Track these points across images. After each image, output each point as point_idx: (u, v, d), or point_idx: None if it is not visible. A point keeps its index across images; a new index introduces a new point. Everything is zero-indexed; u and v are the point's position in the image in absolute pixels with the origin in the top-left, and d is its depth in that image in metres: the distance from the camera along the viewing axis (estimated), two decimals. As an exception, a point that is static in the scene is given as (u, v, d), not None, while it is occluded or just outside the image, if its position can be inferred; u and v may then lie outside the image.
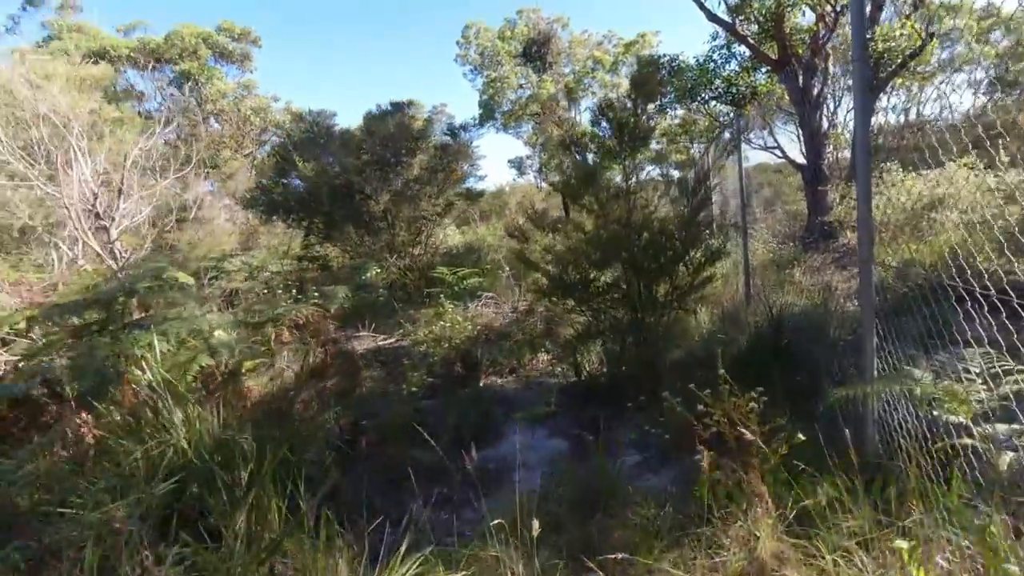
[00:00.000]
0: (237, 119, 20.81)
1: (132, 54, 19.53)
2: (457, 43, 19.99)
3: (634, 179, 4.01)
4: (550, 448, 3.47)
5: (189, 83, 19.80)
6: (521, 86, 19.84)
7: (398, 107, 8.88)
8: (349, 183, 7.74)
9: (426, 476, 3.16)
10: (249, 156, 20.05)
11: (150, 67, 20.08)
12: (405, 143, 8.43)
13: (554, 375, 4.78)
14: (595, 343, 4.37)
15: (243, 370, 3.17)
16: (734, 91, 11.79)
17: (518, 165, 25.26)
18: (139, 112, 19.72)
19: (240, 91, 20.78)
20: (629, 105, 3.82)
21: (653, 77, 3.53)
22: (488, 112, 20.67)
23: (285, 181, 7.55)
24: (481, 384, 4.68)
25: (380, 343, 6.22)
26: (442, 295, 5.72)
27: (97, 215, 4.85)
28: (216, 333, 2.81)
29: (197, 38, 20.23)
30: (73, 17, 20.50)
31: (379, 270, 7.87)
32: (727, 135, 8.92)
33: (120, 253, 4.99)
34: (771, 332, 4.40)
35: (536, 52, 19.99)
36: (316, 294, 5.68)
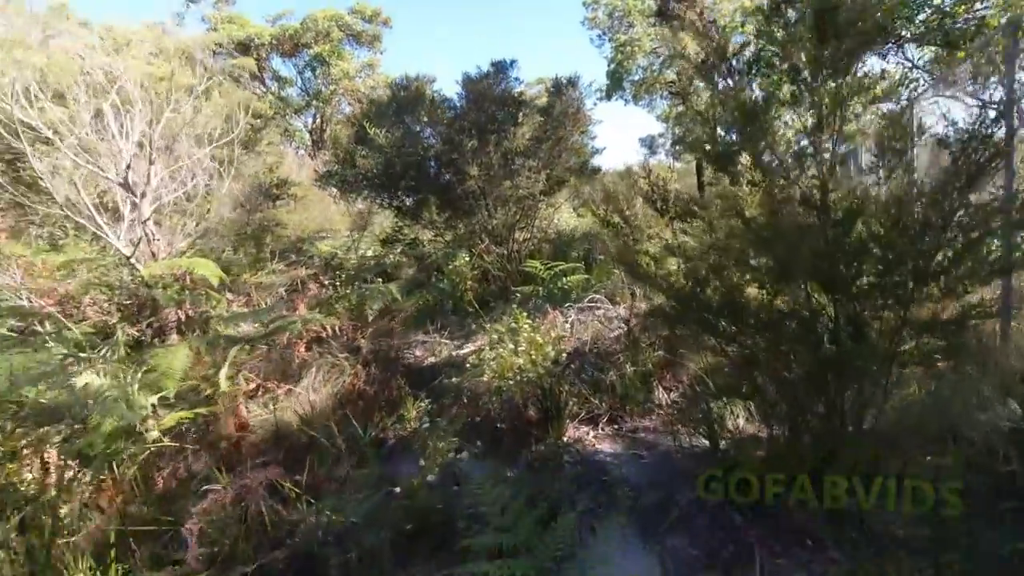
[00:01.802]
0: (365, 100, 21.04)
1: (274, 41, 20.59)
2: (583, 4, 18.06)
3: (837, 128, 2.25)
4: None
5: (321, 66, 20.40)
6: (655, 50, 17.47)
7: (499, 67, 7.52)
8: (437, 154, 6.60)
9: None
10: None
11: (288, 52, 21.07)
12: (507, 108, 7.08)
13: (673, 434, 3.17)
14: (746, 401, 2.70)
15: (159, 430, 2.10)
16: (947, 27, 8.76)
17: (649, 144, 22.79)
18: (277, 95, 20.82)
19: (364, 71, 21.01)
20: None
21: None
22: (617, 81, 18.55)
23: (364, 152, 6.60)
24: (565, 438, 3.23)
25: (453, 352, 5.00)
26: (515, 304, 4.27)
27: (127, 187, 4.15)
28: (84, 377, 1.71)
29: (330, 21, 20.74)
30: (227, 9, 22.08)
31: (468, 258, 6.66)
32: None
33: (151, 235, 4.30)
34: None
35: (673, 10, 17.46)
36: (379, 289, 4.59)
